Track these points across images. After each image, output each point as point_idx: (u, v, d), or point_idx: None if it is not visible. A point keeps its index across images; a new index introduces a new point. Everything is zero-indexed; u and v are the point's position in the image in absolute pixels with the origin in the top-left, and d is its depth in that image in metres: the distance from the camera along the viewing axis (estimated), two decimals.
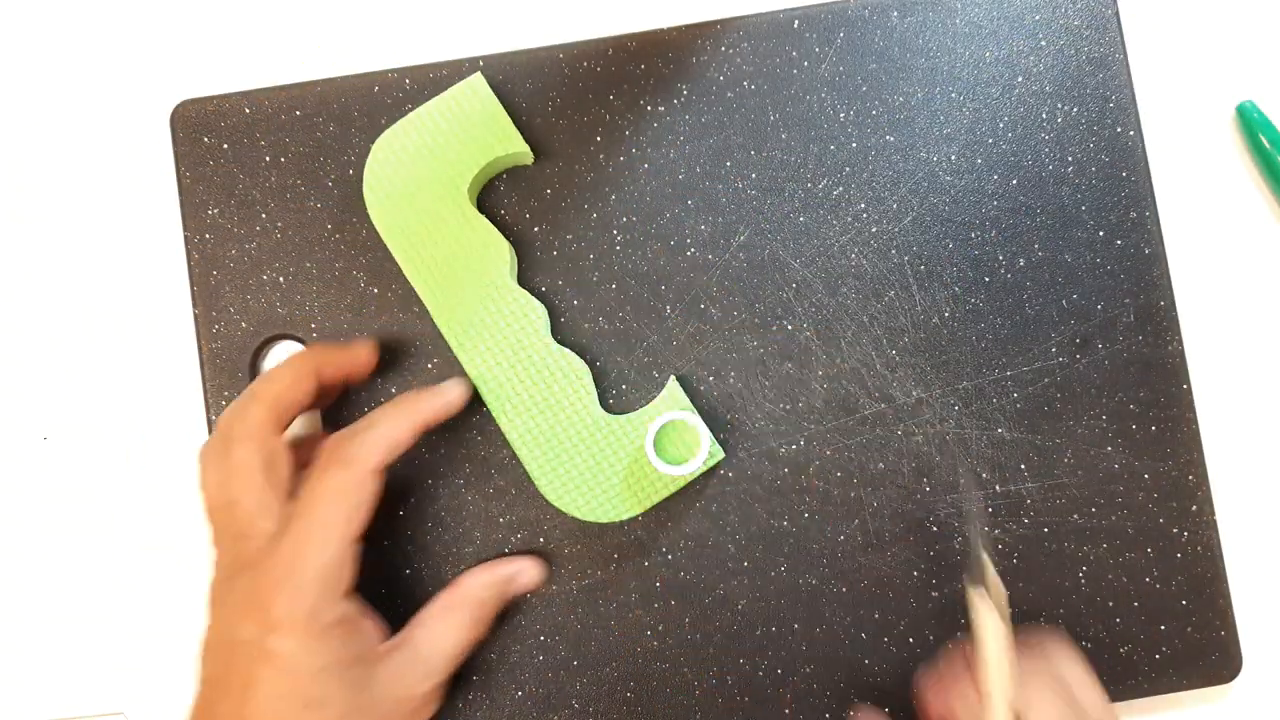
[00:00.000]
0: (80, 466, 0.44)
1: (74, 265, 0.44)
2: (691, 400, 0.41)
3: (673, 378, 0.41)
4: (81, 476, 0.44)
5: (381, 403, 0.41)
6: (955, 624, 0.41)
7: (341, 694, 0.34)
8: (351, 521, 0.35)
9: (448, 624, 0.38)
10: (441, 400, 0.39)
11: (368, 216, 0.42)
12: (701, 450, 0.39)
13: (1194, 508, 0.42)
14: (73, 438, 0.44)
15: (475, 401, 0.41)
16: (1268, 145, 0.44)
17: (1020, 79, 0.43)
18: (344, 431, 0.37)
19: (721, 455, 0.41)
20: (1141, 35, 0.44)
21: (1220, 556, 0.42)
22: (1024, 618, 0.41)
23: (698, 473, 0.41)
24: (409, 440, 0.37)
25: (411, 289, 0.42)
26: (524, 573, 0.40)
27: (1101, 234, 0.42)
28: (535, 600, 0.41)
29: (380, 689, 0.35)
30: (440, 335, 0.42)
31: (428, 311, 0.42)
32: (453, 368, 0.42)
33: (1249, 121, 0.44)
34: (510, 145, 0.41)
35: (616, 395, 0.42)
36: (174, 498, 0.43)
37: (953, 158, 0.42)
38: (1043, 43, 0.43)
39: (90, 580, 0.43)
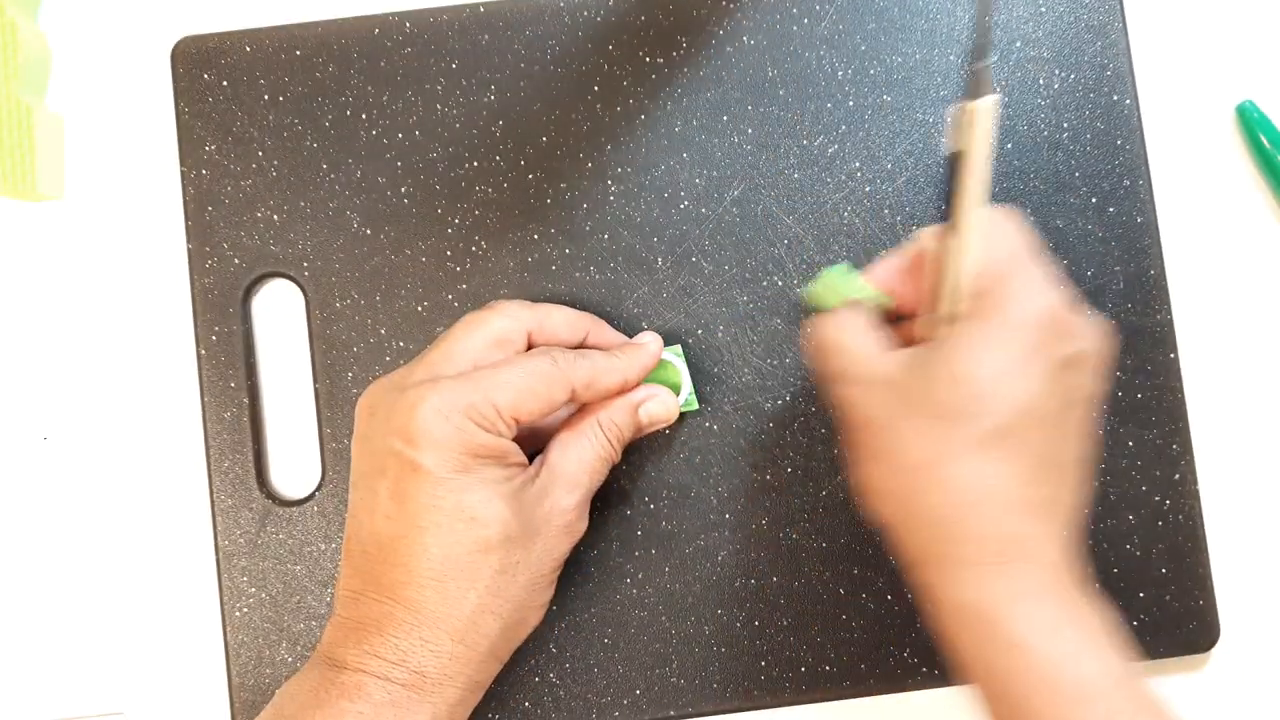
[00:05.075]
0: (80, 466, 0.44)
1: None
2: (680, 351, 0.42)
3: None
4: (81, 476, 0.44)
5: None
6: None
7: (494, 507, 0.34)
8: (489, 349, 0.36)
9: (581, 446, 0.37)
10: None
11: (363, 158, 0.42)
12: (684, 383, 0.40)
13: (1176, 476, 0.42)
14: (73, 438, 0.44)
15: None
16: (1268, 145, 0.44)
17: (1018, 44, 0.43)
18: None
19: (695, 405, 0.41)
20: (1142, 36, 0.44)
21: (1201, 525, 0.42)
22: None
23: (672, 416, 0.40)
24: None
25: (405, 232, 0.42)
26: (654, 399, 0.39)
27: (1094, 201, 0.42)
28: None
29: (530, 507, 0.35)
30: (431, 278, 0.42)
31: (420, 255, 0.42)
32: (443, 312, 0.42)
33: (1249, 121, 0.44)
34: None
35: None
36: (174, 498, 0.43)
37: (949, 120, 0.42)
38: (1042, 8, 0.43)
39: (90, 580, 0.43)
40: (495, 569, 0.34)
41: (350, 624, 0.34)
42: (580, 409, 0.38)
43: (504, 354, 0.36)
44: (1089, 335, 0.34)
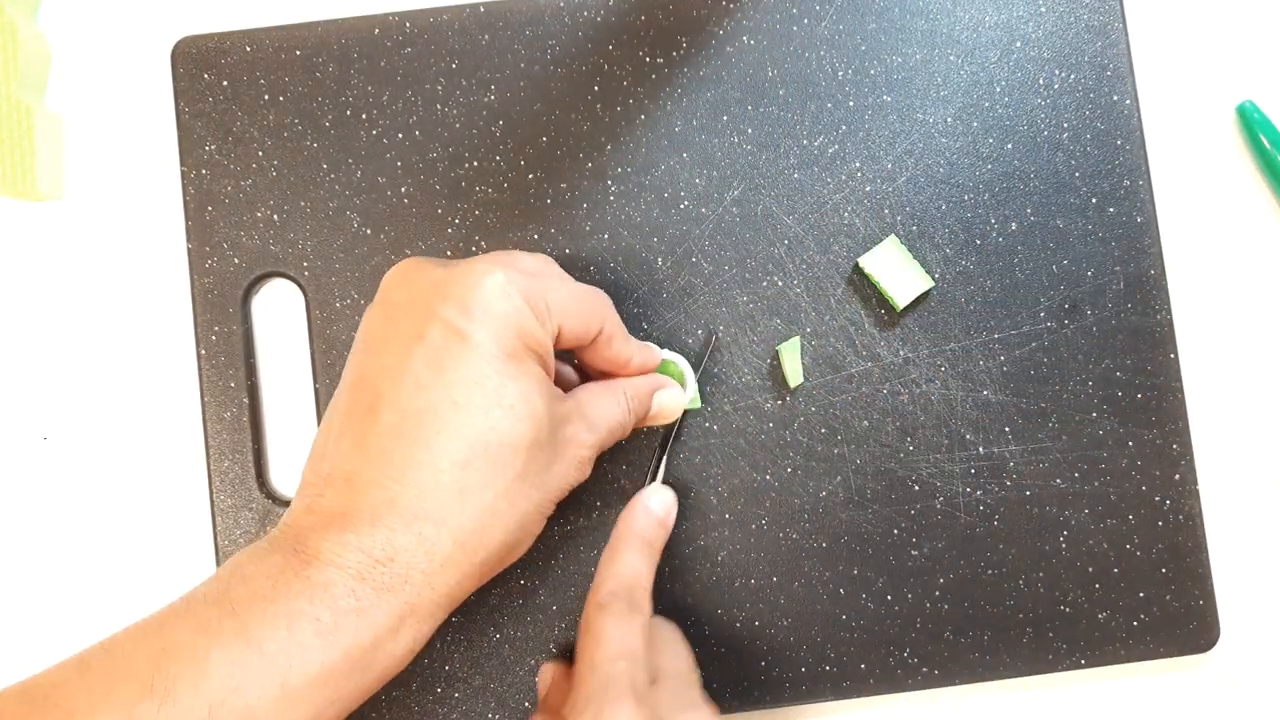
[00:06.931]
0: (80, 466, 0.44)
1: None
2: (680, 352, 0.42)
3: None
4: (81, 476, 0.44)
5: None
6: (934, 583, 0.41)
7: (534, 405, 0.32)
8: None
9: (606, 400, 0.37)
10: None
11: (363, 158, 0.42)
12: (689, 384, 0.40)
13: (1177, 476, 0.42)
14: (73, 438, 0.44)
15: None
16: (1268, 145, 0.44)
17: (1019, 44, 0.43)
18: None
19: (699, 404, 0.42)
20: (1143, 36, 0.44)
21: (1201, 526, 0.42)
22: (1004, 580, 0.42)
23: (678, 411, 0.41)
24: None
25: (405, 232, 0.42)
26: (668, 388, 0.39)
27: (1094, 201, 0.42)
28: None
29: (559, 421, 0.34)
30: None
31: (420, 255, 0.42)
32: None
33: (1249, 121, 0.44)
34: None
35: None
36: (174, 497, 0.43)
37: (949, 120, 0.43)
38: (1042, 9, 0.43)
39: (90, 580, 0.43)
40: (517, 471, 0.32)
41: (333, 511, 0.31)
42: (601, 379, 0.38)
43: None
44: None
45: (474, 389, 0.31)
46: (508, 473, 0.32)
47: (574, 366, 0.41)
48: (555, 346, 0.35)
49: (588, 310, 0.35)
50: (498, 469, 0.31)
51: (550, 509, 0.34)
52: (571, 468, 0.35)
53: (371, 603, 0.30)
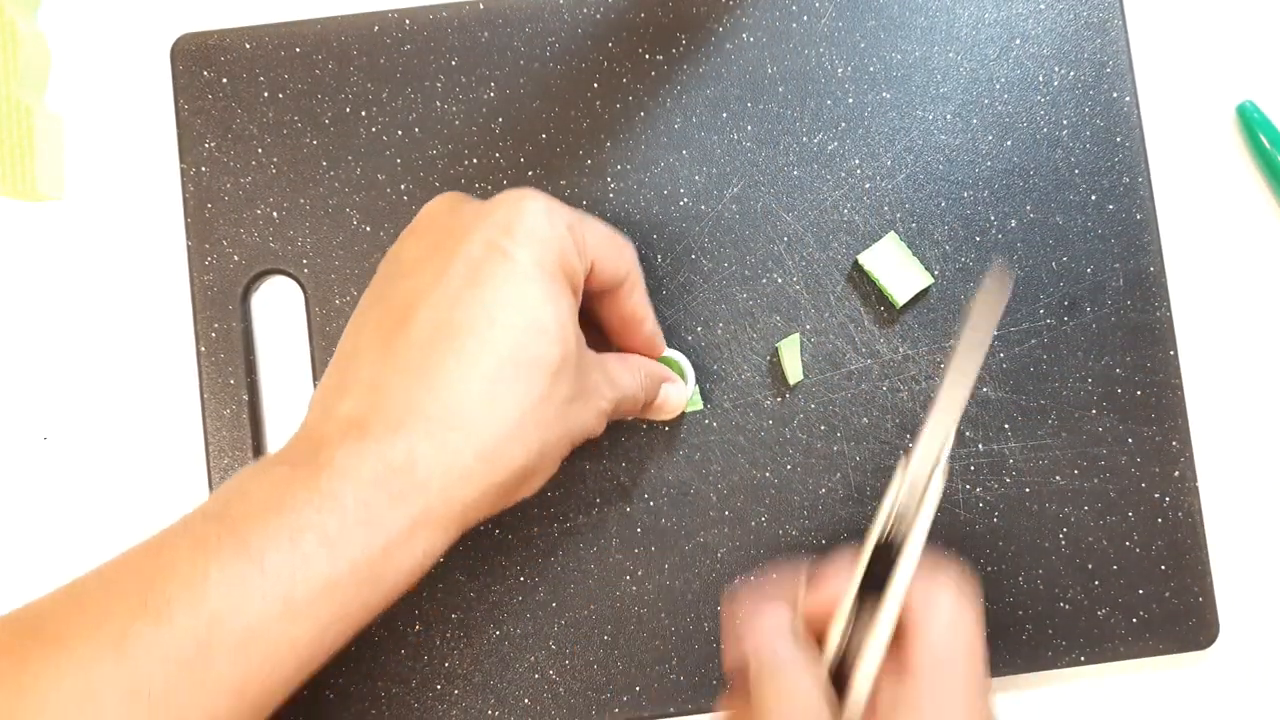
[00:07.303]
0: (80, 466, 0.44)
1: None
2: (680, 349, 0.42)
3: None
4: (81, 476, 0.44)
5: None
6: None
7: (566, 331, 0.32)
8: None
9: (622, 370, 0.37)
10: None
11: (363, 155, 0.42)
12: (689, 380, 0.40)
13: (1176, 473, 0.42)
14: (73, 438, 0.44)
15: None
16: (1268, 145, 0.44)
17: (1018, 41, 0.43)
18: None
19: (700, 405, 0.42)
20: (1143, 36, 0.44)
21: (1201, 523, 0.42)
22: (1003, 576, 0.42)
23: (680, 407, 0.41)
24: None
25: (404, 228, 0.42)
26: (674, 383, 0.40)
27: (1094, 198, 0.42)
28: (515, 541, 0.42)
29: (586, 365, 0.33)
30: None
31: None
32: None
33: (1249, 121, 0.44)
34: None
35: None
36: (174, 495, 0.43)
37: (948, 117, 0.43)
38: (1042, 6, 0.43)
39: None
40: (544, 394, 0.31)
41: (352, 418, 0.30)
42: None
43: None
44: None
45: (510, 307, 0.31)
46: (535, 392, 0.31)
47: None
48: (585, 285, 0.35)
49: (618, 253, 0.35)
50: (528, 387, 0.31)
51: (567, 449, 0.34)
52: (592, 414, 0.34)
53: (383, 512, 0.29)
